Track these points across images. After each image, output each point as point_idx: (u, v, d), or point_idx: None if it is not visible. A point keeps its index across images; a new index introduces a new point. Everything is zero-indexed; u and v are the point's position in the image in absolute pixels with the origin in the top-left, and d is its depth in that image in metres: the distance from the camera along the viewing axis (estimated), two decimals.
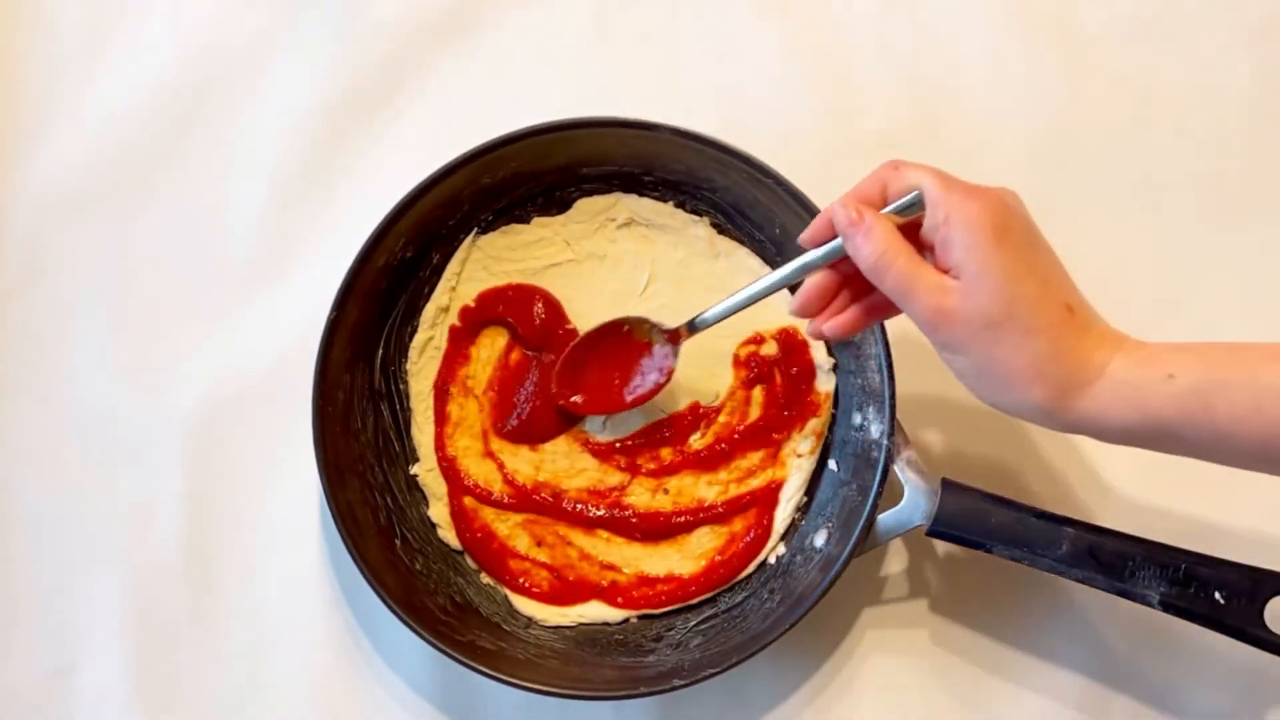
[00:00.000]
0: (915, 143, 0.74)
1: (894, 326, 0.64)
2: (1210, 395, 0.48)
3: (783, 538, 0.70)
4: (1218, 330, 0.71)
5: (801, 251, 0.56)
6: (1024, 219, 0.52)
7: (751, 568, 0.69)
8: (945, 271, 0.51)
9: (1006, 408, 0.52)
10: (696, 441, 0.71)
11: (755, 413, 0.71)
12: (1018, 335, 0.49)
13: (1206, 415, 0.48)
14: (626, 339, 0.68)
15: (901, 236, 0.52)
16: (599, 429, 0.71)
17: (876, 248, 0.51)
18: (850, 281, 0.56)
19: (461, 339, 0.71)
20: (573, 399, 0.69)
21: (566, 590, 0.69)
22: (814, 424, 0.70)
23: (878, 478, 0.63)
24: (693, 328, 0.64)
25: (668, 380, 0.67)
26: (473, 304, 0.71)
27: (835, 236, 0.54)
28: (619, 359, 0.68)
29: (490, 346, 0.72)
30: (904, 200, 0.53)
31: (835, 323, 0.56)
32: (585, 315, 0.72)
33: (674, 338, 0.66)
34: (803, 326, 0.68)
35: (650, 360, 0.67)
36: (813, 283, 0.56)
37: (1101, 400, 0.50)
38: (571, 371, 0.69)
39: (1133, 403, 0.50)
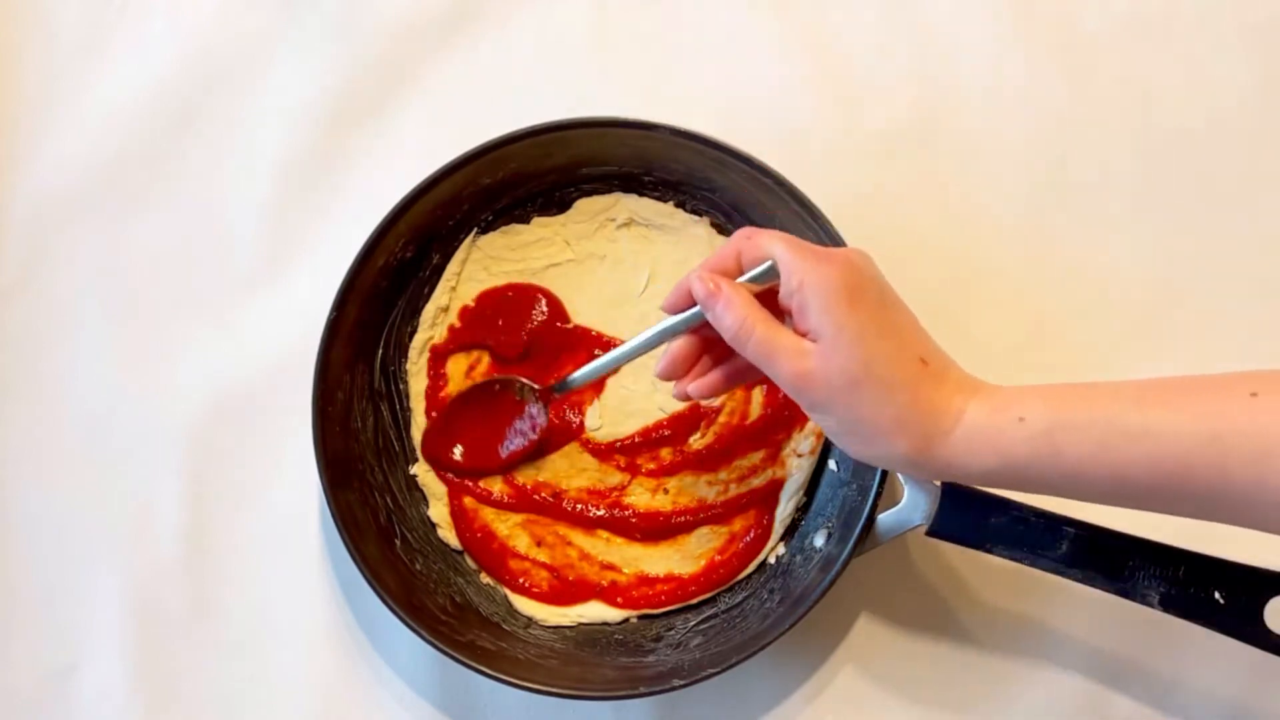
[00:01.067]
0: (915, 143, 0.74)
1: None
2: (1056, 436, 0.50)
3: (783, 538, 0.70)
4: (1217, 329, 0.71)
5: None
6: (875, 279, 0.54)
7: (751, 568, 0.69)
8: (804, 335, 0.53)
9: (875, 461, 0.54)
10: (696, 441, 0.71)
11: (755, 413, 0.71)
12: (877, 391, 0.51)
13: (1054, 456, 0.50)
14: (499, 398, 0.69)
15: (759, 305, 0.54)
16: (597, 426, 0.71)
17: (736, 317, 0.53)
18: (713, 346, 0.59)
19: (439, 362, 0.72)
20: (451, 453, 0.70)
21: (566, 590, 0.69)
22: (814, 424, 0.70)
23: (878, 478, 0.63)
24: (560, 388, 0.67)
25: (539, 438, 0.69)
26: (472, 304, 0.71)
27: (695, 304, 0.56)
28: (493, 418, 0.70)
29: (460, 364, 0.72)
30: (758, 270, 0.55)
31: (700, 384, 0.59)
32: (585, 315, 0.72)
33: (544, 397, 0.68)
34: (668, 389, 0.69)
35: (522, 420, 0.69)
36: (676, 348, 0.59)
37: (960, 446, 0.51)
38: (446, 429, 0.70)
39: (989, 447, 0.51)
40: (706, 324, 0.56)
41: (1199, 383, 0.49)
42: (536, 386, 0.68)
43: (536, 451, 0.70)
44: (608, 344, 0.71)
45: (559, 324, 0.71)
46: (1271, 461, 0.46)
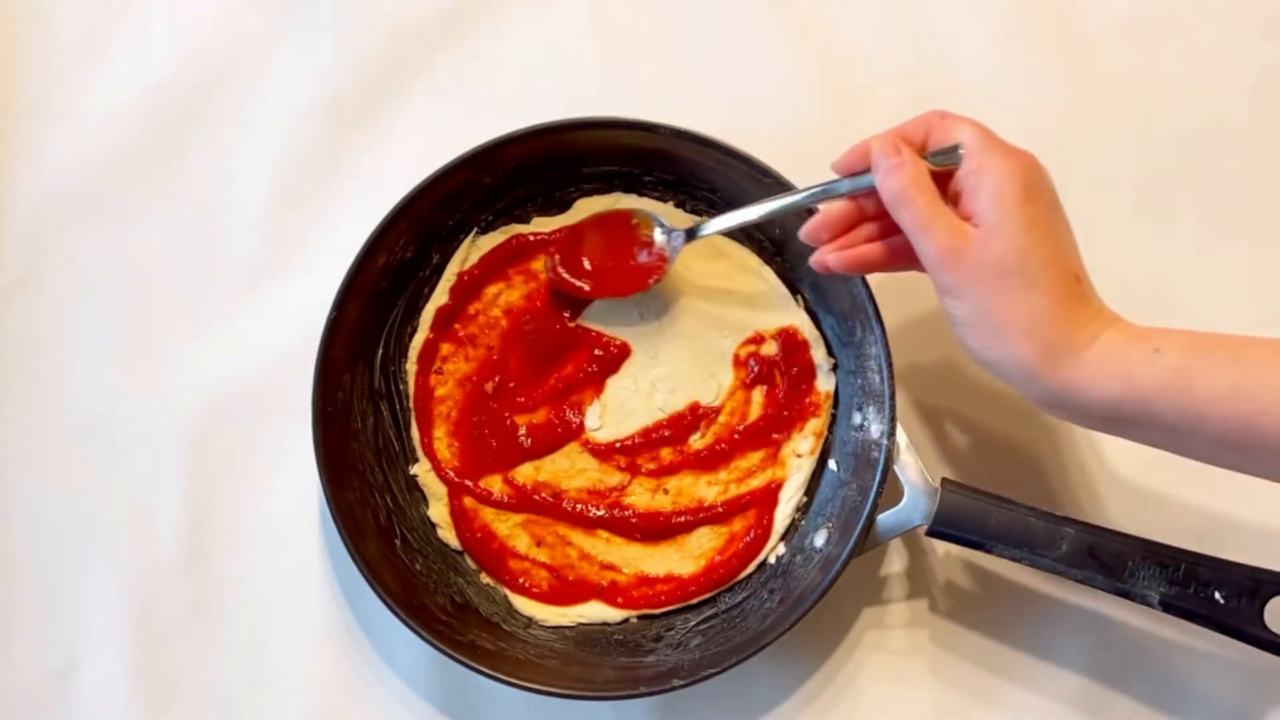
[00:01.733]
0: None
1: (893, 327, 0.64)
2: (1192, 371, 0.49)
3: (783, 538, 0.70)
4: (1216, 329, 0.71)
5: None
6: (1051, 186, 0.54)
7: (751, 568, 0.69)
8: (967, 219, 0.52)
9: (994, 362, 0.53)
10: (696, 441, 0.71)
11: (755, 413, 0.71)
12: (1023, 288, 0.51)
13: (1186, 392, 0.49)
14: (627, 230, 0.68)
15: (930, 179, 0.53)
16: (597, 426, 0.71)
17: (904, 180, 0.53)
18: (869, 219, 0.57)
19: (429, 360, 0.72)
20: (581, 268, 0.69)
21: (566, 590, 0.69)
22: (814, 424, 0.70)
23: (878, 478, 0.63)
24: (692, 234, 0.66)
25: (660, 273, 0.67)
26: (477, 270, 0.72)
27: (866, 169, 0.55)
28: (616, 247, 0.69)
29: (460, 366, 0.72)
30: (943, 149, 0.54)
31: (844, 255, 0.57)
32: (585, 315, 0.72)
33: (676, 234, 0.67)
34: (670, 388, 0.70)
35: (648, 253, 0.68)
36: (831, 209, 0.58)
37: (1087, 370, 0.51)
38: (570, 258, 0.69)
39: (1117, 375, 0.50)
40: (867, 195, 0.55)
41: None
42: (672, 229, 0.67)
43: (544, 447, 0.70)
44: (607, 343, 0.71)
45: (560, 322, 0.71)
46: None
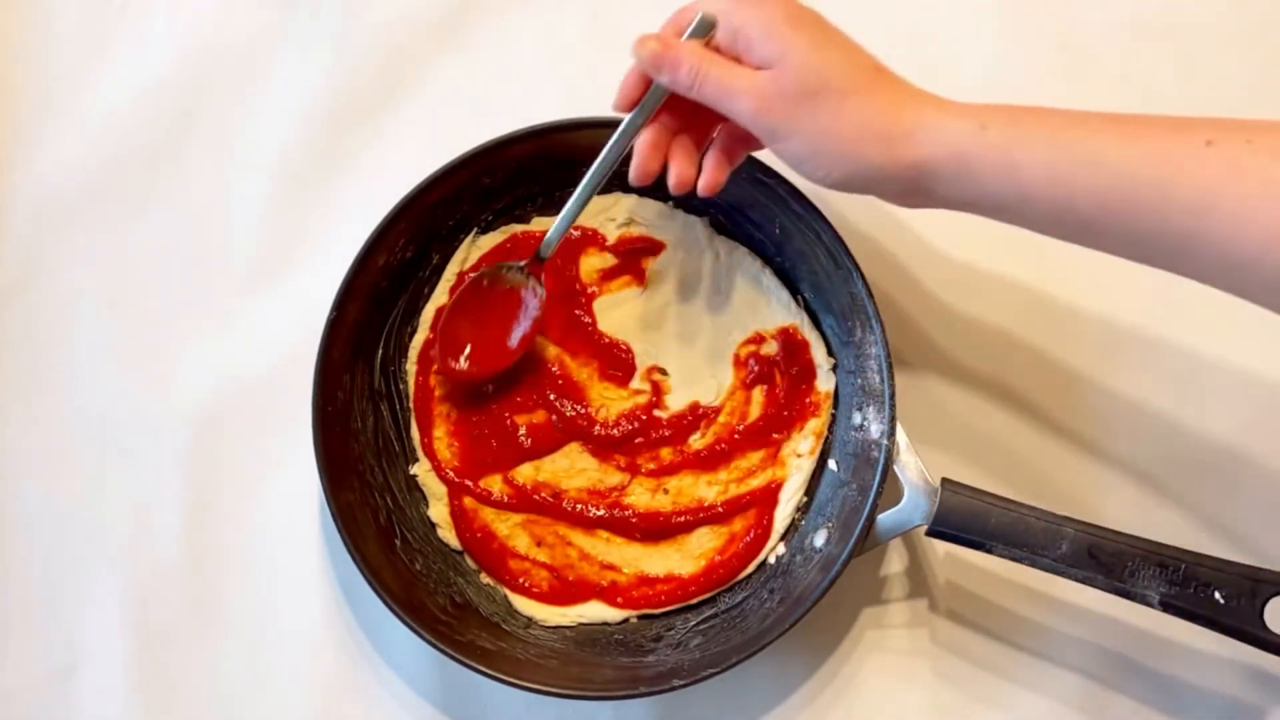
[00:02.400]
0: None
1: (893, 327, 0.64)
2: (1015, 153, 0.50)
3: (783, 538, 0.70)
4: (1217, 330, 0.71)
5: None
6: (812, 11, 0.54)
7: (751, 568, 0.69)
8: (757, 70, 0.53)
9: (848, 177, 0.53)
10: (696, 441, 0.71)
11: (755, 413, 0.70)
12: (835, 99, 0.51)
13: (1011, 171, 0.50)
14: (490, 294, 0.68)
15: (708, 50, 0.54)
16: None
17: (688, 63, 0.54)
18: (683, 129, 0.58)
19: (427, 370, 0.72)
20: (457, 361, 0.69)
21: (566, 590, 0.69)
22: (814, 424, 0.70)
23: (878, 478, 0.63)
24: (542, 253, 0.66)
25: (542, 314, 0.68)
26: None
27: (645, 90, 0.56)
28: (491, 313, 0.68)
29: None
30: (695, 24, 0.55)
31: (705, 180, 0.58)
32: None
33: (533, 270, 0.67)
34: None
35: (523, 305, 0.68)
36: (643, 140, 0.58)
37: (926, 148, 0.51)
38: (446, 338, 0.69)
39: (952, 150, 0.51)
40: (664, 109, 0.56)
41: (1159, 123, 0.49)
42: (521, 264, 0.67)
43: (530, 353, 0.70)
44: (608, 344, 0.71)
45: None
46: (1211, 215, 0.46)
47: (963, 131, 0.51)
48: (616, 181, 0.71)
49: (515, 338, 0.69)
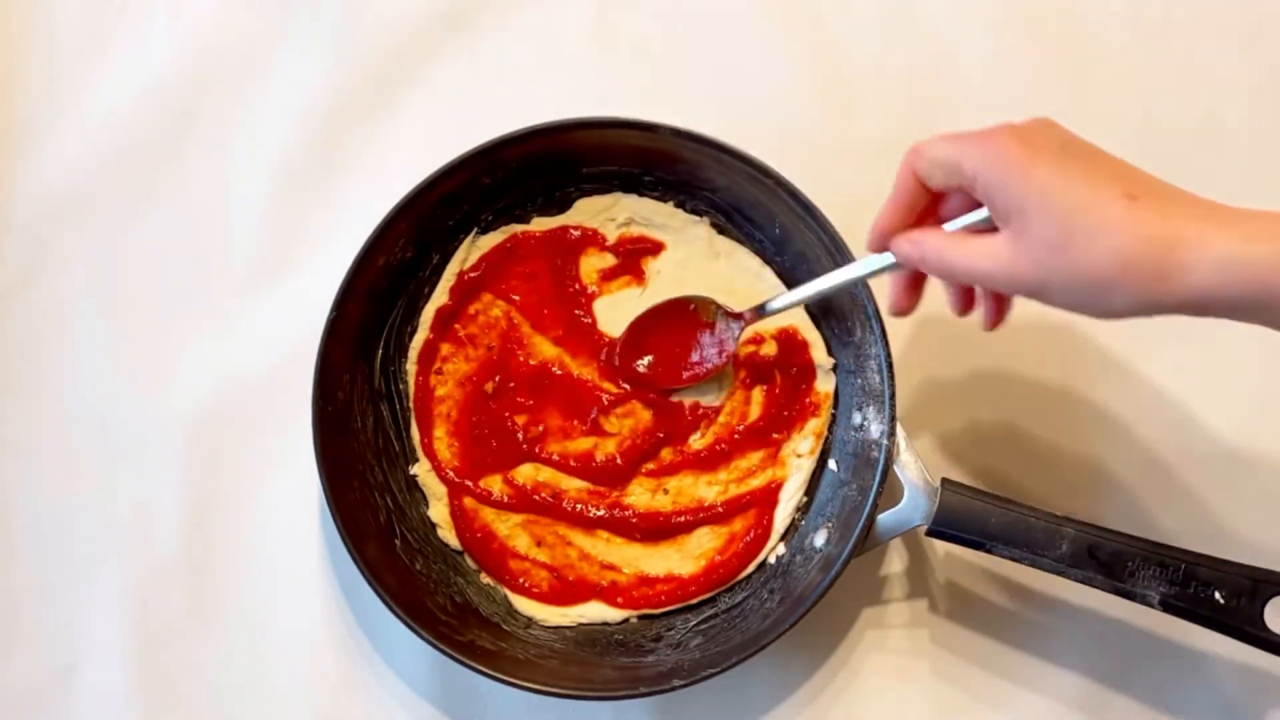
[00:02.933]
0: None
1: (893, 327, 0.64)
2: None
3: (783, 538, 0.70)
4: (1217, 329, 0.71)
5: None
6: (1050, 134, 0.51)
7: (751, 568, 0.69)
8: (1007, 224, 0.50)
9: (1122, 312, 0.49)
10: (696, 441, 0.71)
11: (755, 413, 0.70)
12: (1088, 243, 0.47)
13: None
14: (690, 316, 0.69)
15: (937, 231, 0.53)
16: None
17: (930, 260, 0.53)
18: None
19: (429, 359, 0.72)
20: (637, 364, 0.70)
21: (566, 590, 0.69)
22: (814, 424, 0.70)
23: (878, 478, 0.63)
24: (761, 313, 0.66)
25: (726, 363, 0.68)
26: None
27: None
28: (681, 335, 0.69)
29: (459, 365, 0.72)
30: (970, 219, 0.53)
31: (989, 321, 0.58)
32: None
33: (738, 319, 0.67)
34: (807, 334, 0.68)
35: (711, 338, 0.68)
36: (898, 281, 0.58)
37: (1207, 280, 0.47)
38: (634, 342, 0.70)
39: (1244, 278, 0.46)
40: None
41: None
42: (732, 309, 0.67)
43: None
44: (609, 344, 0.71)
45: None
46: None
47: (1258, 260, 0.46)
48: (617, 181, 0.71)
49: (689, 370, 0.69)
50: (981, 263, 0.51)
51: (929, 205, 0.55)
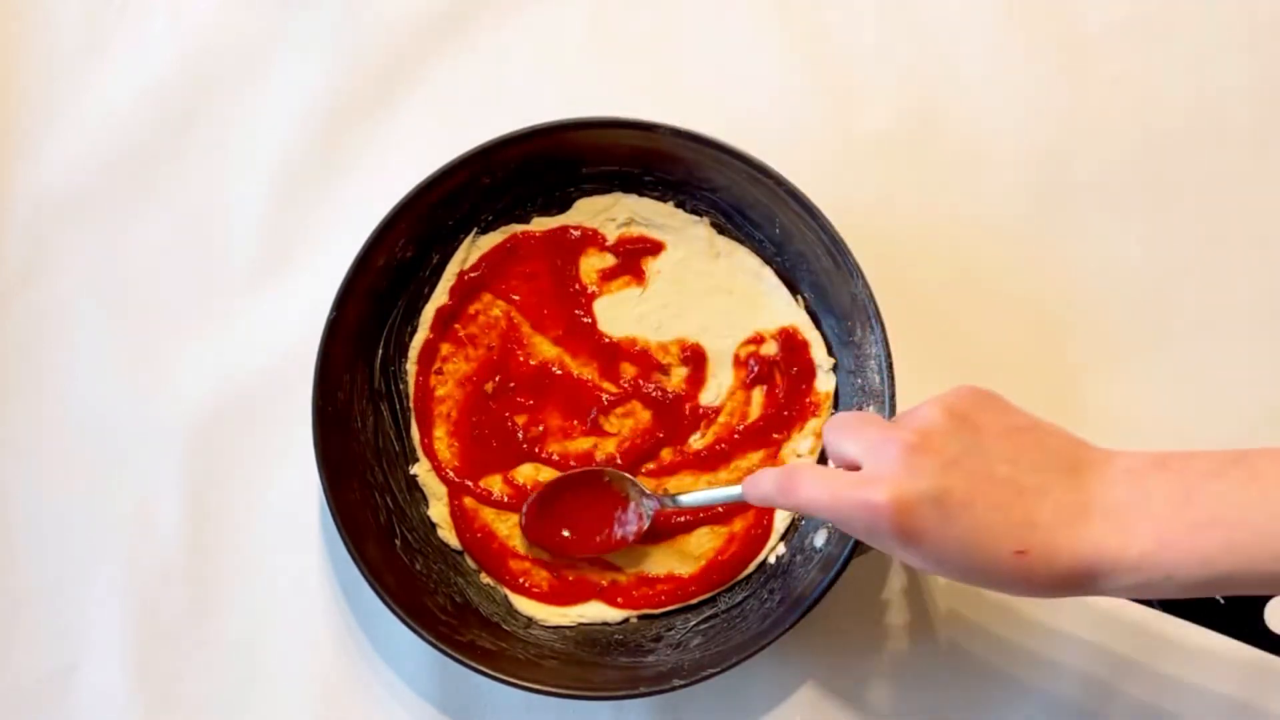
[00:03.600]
0: (915, 143, 0.74)
1: (893, 327, 0.64)
2: (1223, 586, 0.46)
3: (783, 538, 0.70)
4: (1218, 329, 0.71)
5: None
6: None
7: (751, 568, 0.69)
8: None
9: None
10: (696, 441, 0.71)
11: (755, 412, 0.70)
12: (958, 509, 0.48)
13: (1229, 586, 0.46)
14: (606, 488, 0.68)
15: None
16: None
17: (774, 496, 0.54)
18: None
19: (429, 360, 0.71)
20: (558, 535, 0.69)
21: (566, 590, 0.69)
22: (814, 424, 0.70)
23: None
24: (672, 503, 0.66)
25: (636, 539, 0.68)
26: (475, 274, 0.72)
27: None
28: (595, 506, 0.68)
29: (459, 366, 0.72)
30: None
31: None
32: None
33: (651, 498, 0.67)
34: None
35: (625, 515, 0.68)
36: None
37: (1128, 590, 0.47)
38: (544, 508, 0.69)
39: (1143, 589, 0.47)
40: None
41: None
42: (646, 490, 0.67)
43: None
44: (609, 344, 0.71)
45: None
46: None
47: (1149, 584, 0.46)
48: (617, 181, 0.71)
49: (602, 538, 0.68)
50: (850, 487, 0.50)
51: None
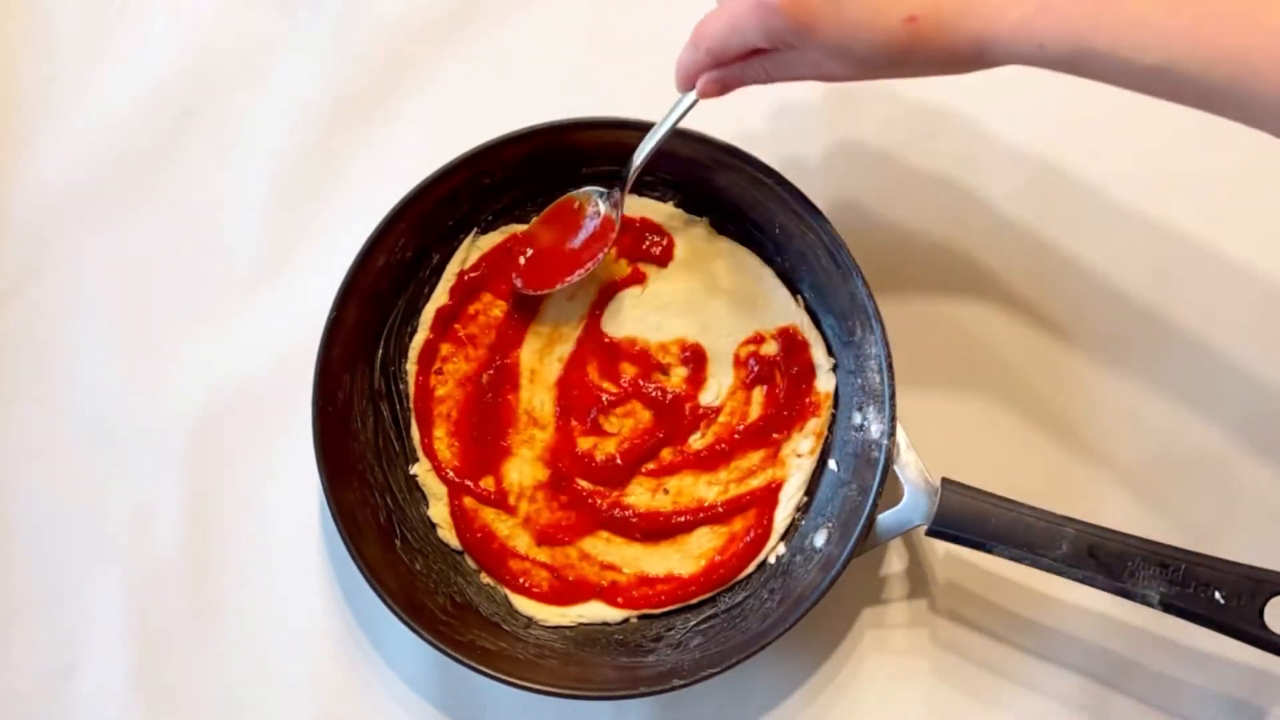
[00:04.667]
0: (915, 143, 0.74)
1: (893, 327, 0.64)
2: (1079, 64, 0.49)
3: (783, 538, 0.70)
4: (1217, 329, 0.71)
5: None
6: None
7: (751, 568, 0.69)
8: None
9: (894, 65, 0.51)
10: (696, 441, 0.71)
11: (755, 412, 0.70)
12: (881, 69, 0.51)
13: (1081, 73, 0.50)
14: (567, 209, 0.69)
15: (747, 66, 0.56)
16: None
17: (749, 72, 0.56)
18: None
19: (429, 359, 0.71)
20: (525, 284, 0.69)
21: (566, 590, 0.69)
22: (814, 424, 0.70)
23: (878, 478, 0.63)
24: (624, 178, 0.66)
25: (610, 229, 0.68)
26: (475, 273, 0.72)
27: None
28: (564, 229, 0.69)
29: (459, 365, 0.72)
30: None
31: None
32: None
33: (610, 195, 0.68)
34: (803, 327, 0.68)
35: (590, 218, 0.68)
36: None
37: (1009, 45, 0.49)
38: (532, 266, 0.69)
39: (1017, 57, 0.50)
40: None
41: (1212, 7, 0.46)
42: (600, 188, 0.68)
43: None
44: (609, 344, 0.71)
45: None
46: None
47: (1023, 54, 0.49)
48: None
49: (582, 260, 0.68)
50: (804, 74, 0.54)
51: None
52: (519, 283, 0.70)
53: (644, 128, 0.65)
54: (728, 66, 0.57)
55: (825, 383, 0.70)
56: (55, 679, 0.71)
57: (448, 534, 0.70)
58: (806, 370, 0.70)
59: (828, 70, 0.53)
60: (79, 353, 0.74)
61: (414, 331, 0.72)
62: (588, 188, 0.69)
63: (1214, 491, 0.69)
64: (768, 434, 0.70)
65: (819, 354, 0.70)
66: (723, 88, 0.58)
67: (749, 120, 0.74)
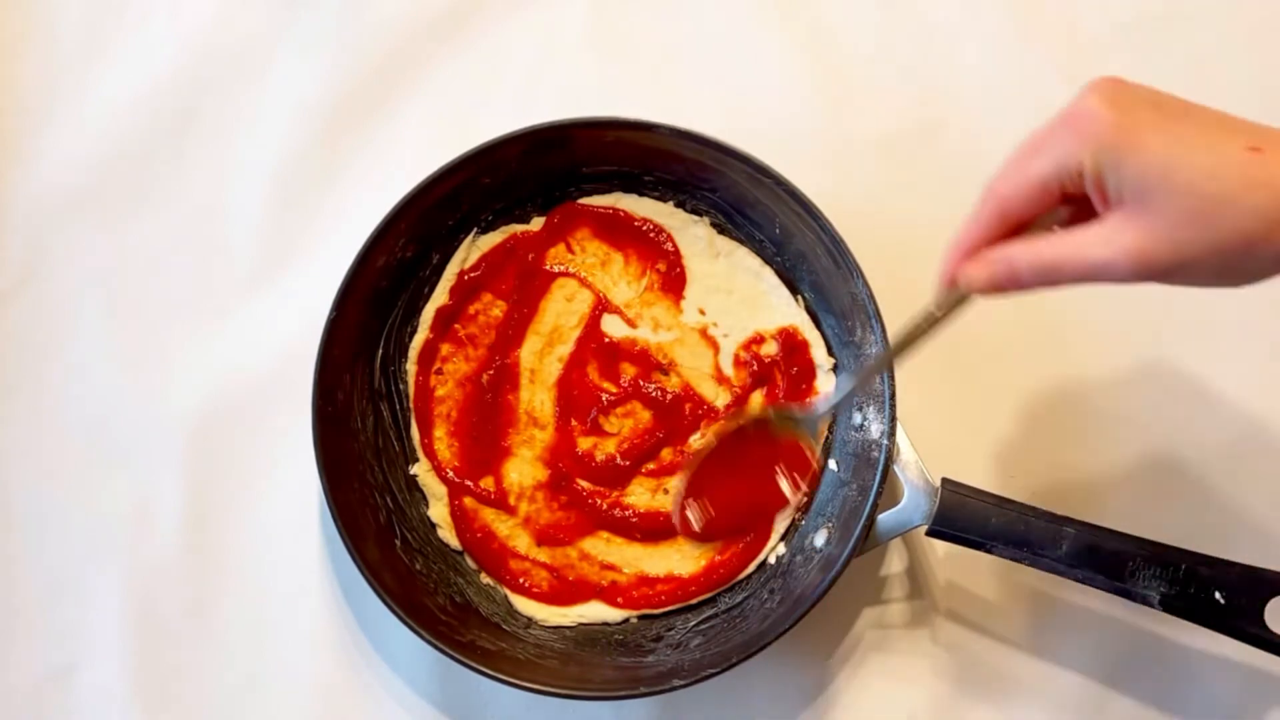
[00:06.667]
0: (916, 142, 0.74)
1: (893, 326, 0.64)
2: None
3: (783, 538, 0.70)
4: (1216, 328, 0.71)
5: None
6: (1140, 98, 0.46)
7: (751, 568, 0.69)
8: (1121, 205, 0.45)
9: (1264, 273, 0.45)
10: (697, 441, 0.71)
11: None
12: (1227, 208, 0.43)
13: None
14: (750, 443, 0.60)
15: (1015, 241, 0.48)
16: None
17: (1028, 270, 0.47)
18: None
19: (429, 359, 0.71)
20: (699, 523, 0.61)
21: (566, 590, 0.69)
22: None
23: (878, 478, 0.63)
24: (817, 415, 0.60)
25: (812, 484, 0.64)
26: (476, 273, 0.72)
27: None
28: (749, 468, 0.60)
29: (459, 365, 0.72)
30: (1048, 216, 0.48)
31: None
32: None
33: (809, 425, 0.60)
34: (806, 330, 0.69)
35: (788, 461, 0.60)
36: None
37: None
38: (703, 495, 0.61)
39: None
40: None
41: None
42: (794, 414, 0.59)
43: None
44: (609, 344, 0.71)
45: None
46: None
47: None
48: (617, 181, 0.71)
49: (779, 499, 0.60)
50: (1097, 252, 0.45)
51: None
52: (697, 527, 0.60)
53: (644, 127, 0.65)
54: (1007, 243, 0.49)
55: (825, 383, 0.70)
56: (55, 678, 0.71)
57: (448, 534, 0.70)
58: (806, 370, 0.70)
59: (1126, 244, 0.44)
60: (79, 353, 0.74)
61: (414, 331, 0.72)
62: (768, 411, 0.61)
63: (1214, 491, 0.69)
64: None
65: (819, 354, 0.70)
66: (991, 278, 0.48)
67: (749, 120, 0.74)
